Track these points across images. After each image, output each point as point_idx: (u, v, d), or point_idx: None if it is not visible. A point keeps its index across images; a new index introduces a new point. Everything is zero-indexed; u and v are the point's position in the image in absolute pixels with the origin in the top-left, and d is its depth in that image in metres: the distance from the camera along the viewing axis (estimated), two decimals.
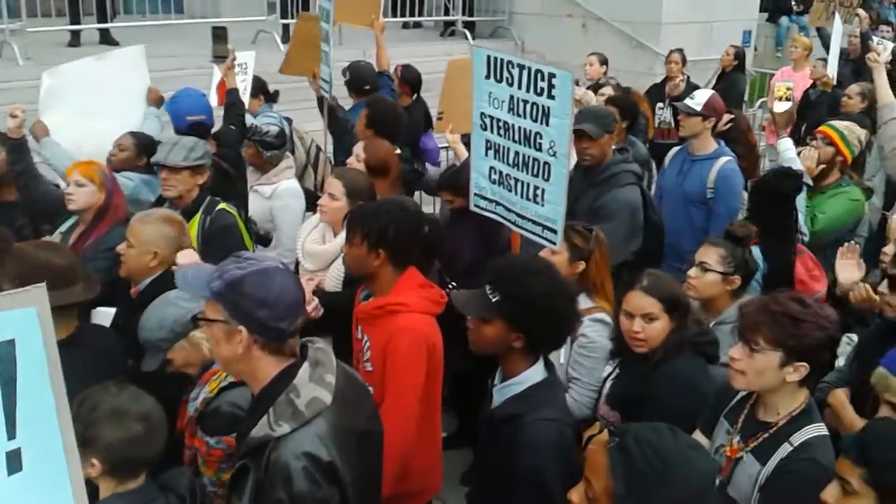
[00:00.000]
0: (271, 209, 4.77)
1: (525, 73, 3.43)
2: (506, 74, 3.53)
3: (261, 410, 2.10)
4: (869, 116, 6.39)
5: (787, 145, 4.64)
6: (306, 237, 3.95)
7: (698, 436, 2.78)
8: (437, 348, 3.09)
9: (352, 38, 9.50)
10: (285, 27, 10.54)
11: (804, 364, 2.49)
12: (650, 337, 3.06)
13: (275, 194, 4.79)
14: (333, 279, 3.76)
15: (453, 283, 4.00)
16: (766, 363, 2.49)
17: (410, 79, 6.39)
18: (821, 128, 4.99)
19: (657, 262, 4.43)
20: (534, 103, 3.42)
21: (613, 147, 4.65)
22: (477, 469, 2.86)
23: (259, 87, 6.05)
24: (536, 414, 2.48)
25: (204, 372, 2.85)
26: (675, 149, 5.34)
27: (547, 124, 3.40)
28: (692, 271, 3.50)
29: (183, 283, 2.20)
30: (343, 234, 3.71)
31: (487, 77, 3.64)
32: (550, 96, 3.35)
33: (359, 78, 6.13)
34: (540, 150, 3.47)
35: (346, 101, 6.30)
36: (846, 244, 3.95)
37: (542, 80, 3.36)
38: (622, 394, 3.13)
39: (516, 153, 3.60)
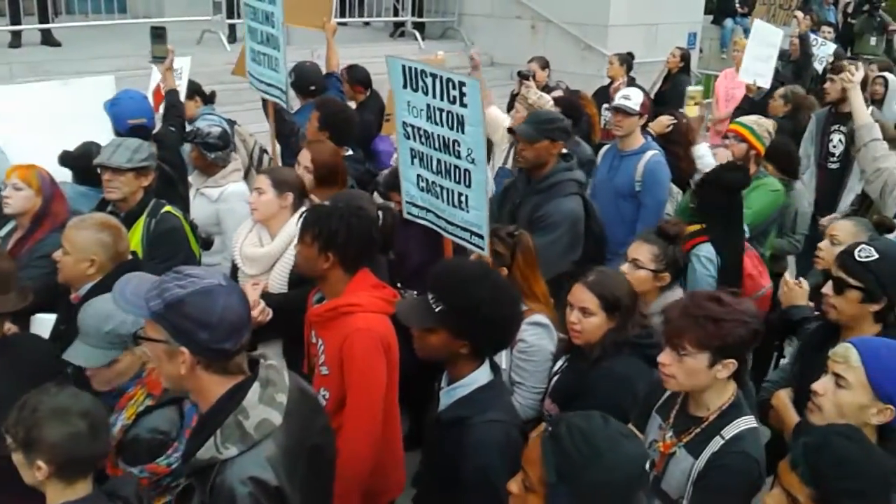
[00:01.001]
0: (218, 212, 4.69)
1: (438, 81, 3.41)
2: (421, 83, 3.51)
3: (208, 431, 2.05)
4: (794, 119, 6.59)
5: (702, 151, 4.72)
6: (243, 241, 3.87)
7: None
8: (392, 347, 3.09)
9: (299, 39, 9.42)
10: (231, 27, 10.42)
11: (732, 360, 2.55)
12: (585, 330, 3.11)
13: (221, 197, 4.72)
14: (277, 282, 3.71)
15: (398, 285, 3.99)
16: (696, 365, 2.54)
17: (361, 78, 6.36)
18: (730, 126, 5.16)
19: None
20: (449, 111, 3.41)
21: (564, 152, 4.63)
22: (423, 472, 2.84)
23: (194, 89, 5.94)
24: (483, 416, 2.48)
25: (121, 396, 2.77)
26: (606, 146, 5.49)
27: (463, 132, 3.40)
28: (624, 267, 3.56)
29: (121, 300, 2.11)
30: (281, 236, 3.73)
31: (405, 87, 3.60)
32: (463, 104, 3.34)
33: (304, 79, 6.07)
34: (459, 157, 3.47)
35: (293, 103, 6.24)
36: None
37: (454, 88, 3.35)
38: (563, 389, 3.17)
39: (438, 161, 3.59)
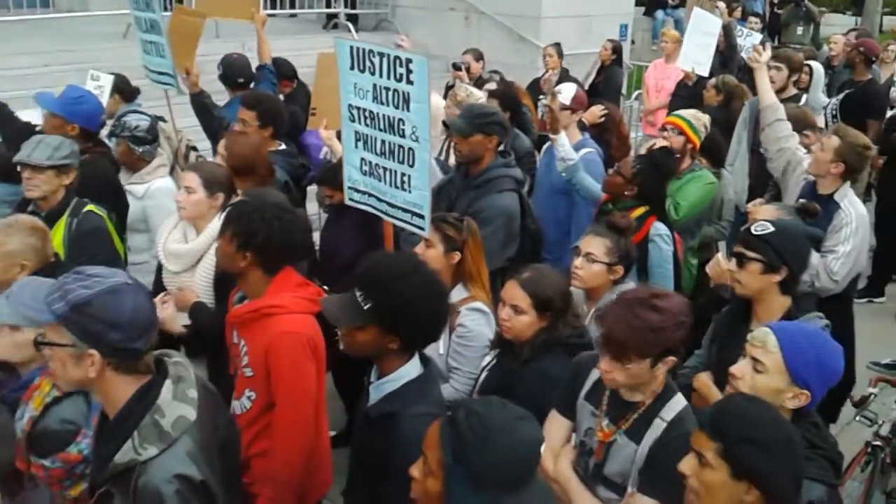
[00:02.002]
0: (144, 209, 4.57)
1: (385, 60, 3.47)
2: (368, 64, 3.56)
3: (122, 433, 2.02)
4: (728, 109, 6.71)
5: (561, 141, 4.76)
6: (167, 237, 3.80)
7: (555, 417, 2.85)
8: (319, 348, 3.04)
9: (230, 31, 9.28)
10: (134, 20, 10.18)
11: (672, 358, 2.61)
12: (514, 328, 3.10)
13: (147, 194, 4.59)
14: (202, 280, 3.65)
15: (325, 287, 3.95)
16: (639, 370, 2.58)
17: (285, 71, 6.27)
18: (668, 119, 5.23)
19: None
20: (395, 90, 3.46)
21: (502, 149, 4.61)
22: (352, 466, 2.83)
23: (115, 86, 5.76)
24: (412, 409, 2.48)
25: (26, 386, 2.69)
26: (549, 143, 5.46)
27: (408, 110, 3.45)
28: (578, 261, 3.56)
29: (18, 305, 2.04)
30: (206, 233, 3.66)
31: (352, 68, 3.65)
32: (409, 81, 3.40)
33: (232, 71, 5.98)
34: (403, 136, 3.51)
35: (223, 96, 6.15)
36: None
37: (401, 66, 3.41)
38: (490, 386, 3.15)
39: (383, 141, 3.63)
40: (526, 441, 2.00)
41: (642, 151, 5.65)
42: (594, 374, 2.80)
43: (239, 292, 3.24)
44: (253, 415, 3.01)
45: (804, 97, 6.73)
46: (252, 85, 6.03)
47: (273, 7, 11.19)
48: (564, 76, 8.20)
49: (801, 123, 5.27)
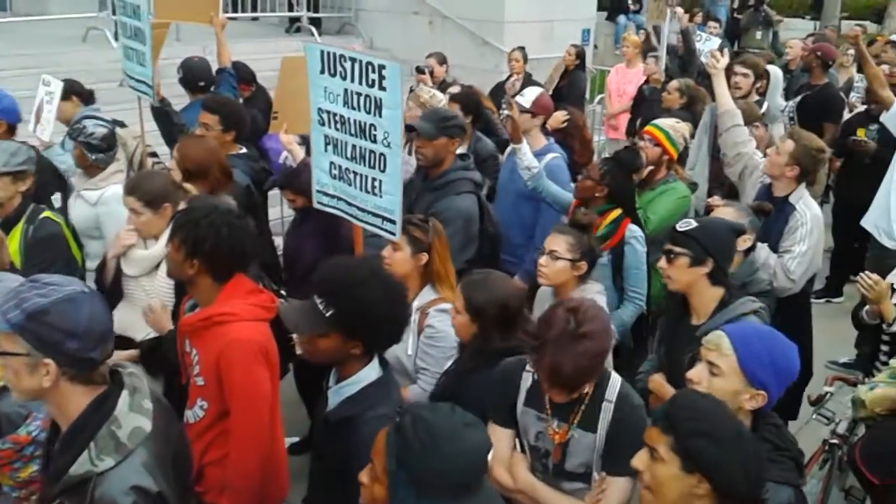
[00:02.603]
0: (97, 216, 4.48)
1: (356, 65, 3.46)
2: (339, 68, 3.55)
3: (78, 444, 1.99)
4: (690, 111, 6.77)
5: (524, 150, 4.76)
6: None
7: (494, 429, 2.84)
8: (272, 355, 3.02)
9: (190, 35, 9.18)
10: (118, 24, 10.04)
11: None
12: (455, 326, 3.17)
13: (101, 200, 4.50)
14: (162, 285, 3.62)
15: (283, 292, 3.94)
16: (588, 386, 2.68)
17: (243, 75, 6.23)
18: (646, 128, 5.22)
19: None
20: (367, 95, 3.46)
21: (461, 152, 4.63)
22: (313, 471, 2.82)
23: (69, 89, 5.69)
24: (372, 413, 2.48)
25: None
26: (511, 147, 5.46)
27: (380, 115, 3.44)
28: (542, 259, 3.63)
29: None
30: (163, 238, 3.57)
31: (322, 72, 3.64)
32: (381, 87, 3.39)
33: (193, 75, 5.93)
34: (375, 141, 3.51)
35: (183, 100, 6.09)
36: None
37: (373, 71, 3.40)
38: (441, 393, 3.17)
39: (353, 146, 3.62)
40: (472, 448, 1.99)
41: (606, 155, 5.71)
42: (527, 379, 2.84)
43: (191, 300, 3.20)
44: (206, 424, 2.99)
45: (765, 104, 6.82)
46: (212, 88, 5.98)
47: (234, 10, 11.10)
48: (528, 81, 8.25)
49: (750, 118, 5.34)
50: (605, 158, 4.43)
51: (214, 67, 6.24)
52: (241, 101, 6.05)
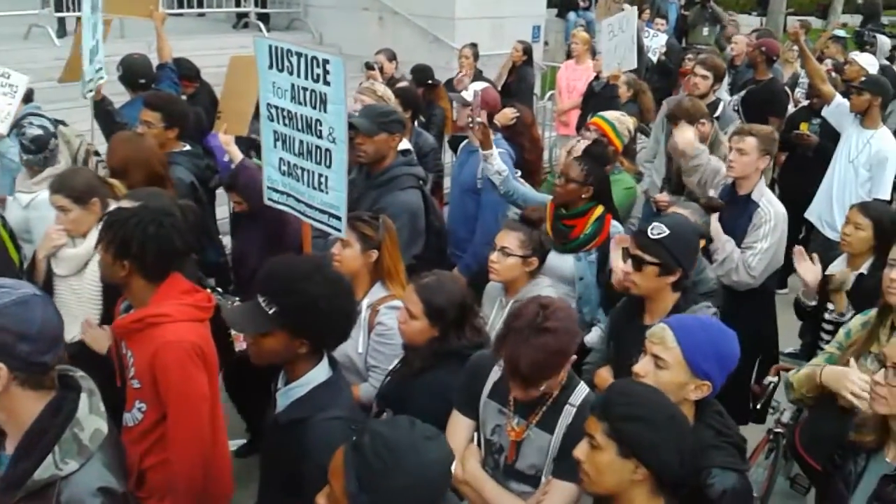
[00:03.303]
0: (27, 220, 4.33)
1: (302, 60, 3.47)
2: (286, 63, 3.55)
3: (40, 449, 1.95)
4: (636, 103, 6.85)
5: (495, 155, 4.73)
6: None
7: (457, 417, 2.86)
8: (209, 355, 2.96)
9: (135, 31, 9.03)
10: (61, 21, 9.87)
11: (573, 358, 2.68)
12: (406, 332, 3.09)
13: (32, 204, 4.34)
14: (90, 284, 3.56)
15: (219, 290, 3.88)
16: (547, 385, 2.66)
17: (186, 71, 6.13)
18: (592, 120, 5.27)
19: (440, 266, 4.47)
20: (312, 90, 3.46)
21: (403, 148, 4.60)
22: (263, 475, 2.78)
23: None
24: (322, 414, 2.45)
25: None
26: (465, 141, 5.47)
27: (325, 111, 3.45)
28: (494, 255, 3.63)
29: None
30: (90, 236, 3.55)
31: (270, 67, 3.64)
32: (326, 82, 3.40)
33: (133, 72, 5.82)
34: (321, 137, 3.51)
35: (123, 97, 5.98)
36: (794, 248, 4.26)
37: (318, 66, 3.41)
38: (387, 395, 3.14)
39: (301, 142, 3.62)
40: (435, 461, 1.92)
41: (559, 151, 5.72)
42: (495, 373, 2.82)
43: (125, 302, 3.14)
44: (145, 427, 2.93)
45: (720, 106, 6.91)
46: (153, 85, 5.88)
47: (180, 6, 10.96)
48: (478, 77, 8.25)
49: (697, 114, 5.41)
50: (580, 158, 4.38)
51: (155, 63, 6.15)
52: (183, 97, 5.97)
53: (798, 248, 4.27)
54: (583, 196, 4.21)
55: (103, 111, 5.46)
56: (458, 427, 2.85)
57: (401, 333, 3.13)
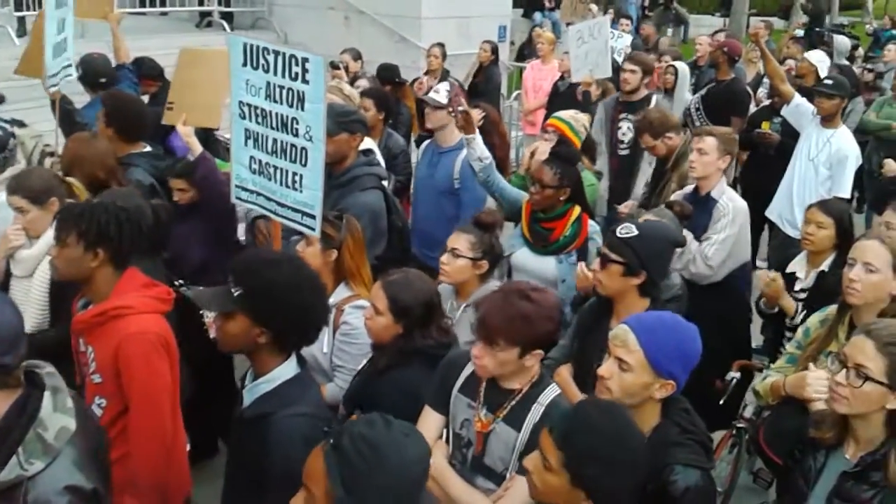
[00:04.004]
0: None
1: (280, 58, 3.47)
2: (262, 61, 3.55)
3: (4, 450, 1.94)
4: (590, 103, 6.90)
5: (478, 140, 4.68)
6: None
7: (428, 412, 2.87)
8: (172, 346, 2.98)
9: (95, 31, 8.89)
10: (21, 20, 9.73)
11: (540, 351, 2.68)
12: (372, 328, 3.09)
13: None
14: (39, 287, 3.52)
15: (181, 281, 3.85)
16: (507, 357, 2.64)
17: (148, 70, 6.06)
18: (549, 122, 5.31)
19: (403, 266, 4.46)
20: (289, 88, 3.46)
21: (365, 148, 4.59)
22: (229, 470, 2.76)
23: None
24: (288, 410, 2.44)
25: None
26: (427, 142, 5.47)
27: (302, 109, 3.44)
28: (444, 257, 3.64)
29: None
30: (45, 237, 3.52)
31: (244, 65, 3.63)
32: (304, 81, 3.40)
33: (93, 72, 5.74)
34: (297, 135, 3.50)
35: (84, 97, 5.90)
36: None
37: (297, 64, 3.41)
38: (354, 394, 3.14)
39: (274, 140, 3.61)
40: (416, 458, 1.94)
41: (524, 151, 5.74)
42: (468, 369, 2.84)
43: (82, 299, 3.12)
44: (105, 422, 2.89)
45: (655, 98, 6.99)
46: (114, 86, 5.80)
47: (143, 5, 10.85)
48: (445, 77, 8.26)
49: (665, 126, 5.45)
50: (549, 161, 4.37)
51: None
52: (146, 97, 5.92)
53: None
54: (561, 199, 4.23)
55: (63, 111, 5.40)
56: (428, 422, 2.86)
57: (367, 330, 3.13)
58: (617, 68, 9.95)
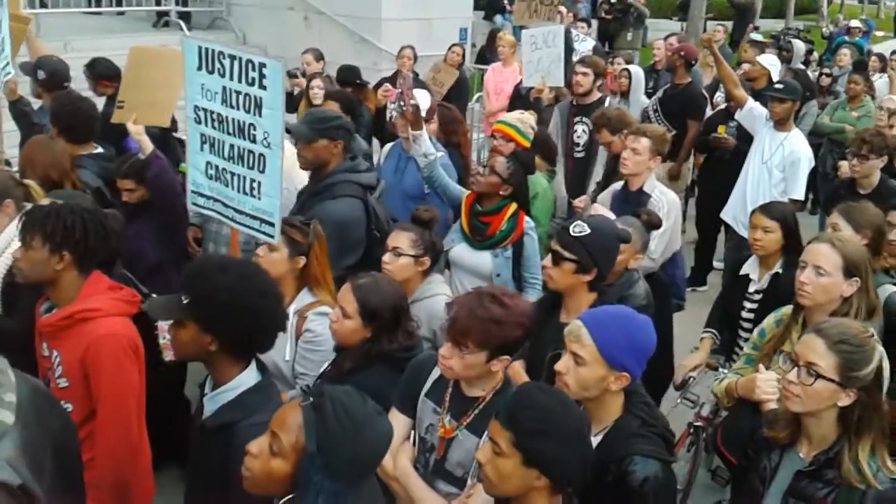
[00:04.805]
0: None
1: (236, 63, 3.40)
2: (217, 65, 3.47)
3: None
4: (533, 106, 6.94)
5: (424, 136, 4.69)
6: None
7: (395, 415, 2.87)
8: (140, 349, 2.96)
9: (50, 30, 8.72)
10: None
11: (507, 357, 2.70)
12: (338, 331, 3.09)
13: None
14: None
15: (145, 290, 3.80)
16: (474, 360, 2.65)
17: (102, 71, 5.97)
18: (495, 127, 5.37)
19: None
20: (246, 94, 3.40)
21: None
22: (190, 480, 2.75)
23: None
24: (251, 419, 2.41)
25: None
26: (390, 145, 5.45)
27: (260, 115, 3.38)
28: (386, 257, 3.64)
29: None
30: (2, 238, 3.42)
31: (199, 68, 3.55)
32: (262, 86, 3.33)
33: (58, 75, 5.61)
34: (254, 141, 3.44)
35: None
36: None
37: (253, 70, 3.35)
38: None
39: (231, 146, 3.54)
40: (384, 436, 2.08)
41: (485, 153, 5.77)
42: (435, 373, 2.86)
43: (45, 303, 3.07)
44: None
45: (609, 100, 7.07)
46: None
47: (99, 4, 10.67)
48: (415, 80, 8.23)
49: (623, 123, 5.57)
50: (510, 158, 4.45)
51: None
52: (101, 98, 5.82)
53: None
54: (500, 193, 4.30)
55: (20, 112, 5.31)
56: (395, 424, 2.83)
57: (333, 333, 3.12)
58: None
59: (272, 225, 3.48)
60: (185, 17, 11.85)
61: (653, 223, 4.10)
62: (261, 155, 3.43)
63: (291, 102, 7.22)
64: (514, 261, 4.30)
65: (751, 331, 4.18)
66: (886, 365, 2.47)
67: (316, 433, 1.98)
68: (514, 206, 4.33)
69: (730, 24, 17.69)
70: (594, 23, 14.50)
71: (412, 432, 2.92)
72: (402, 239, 3.63)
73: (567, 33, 9.35)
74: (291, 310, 3.43)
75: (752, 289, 4.23)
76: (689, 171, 7.92)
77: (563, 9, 9.22)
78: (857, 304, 3.26)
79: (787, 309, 3.47)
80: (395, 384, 3.00)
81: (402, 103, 4.66)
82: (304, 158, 4.30)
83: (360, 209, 4.28)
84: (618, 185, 5.01)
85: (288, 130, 4.44)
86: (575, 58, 10.13)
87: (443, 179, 4.69)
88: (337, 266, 3.87)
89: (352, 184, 4.28)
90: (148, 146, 4.33)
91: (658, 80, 9.11)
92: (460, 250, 4.36)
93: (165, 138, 5.04)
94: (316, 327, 3.40)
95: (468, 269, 4.20)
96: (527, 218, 4.39)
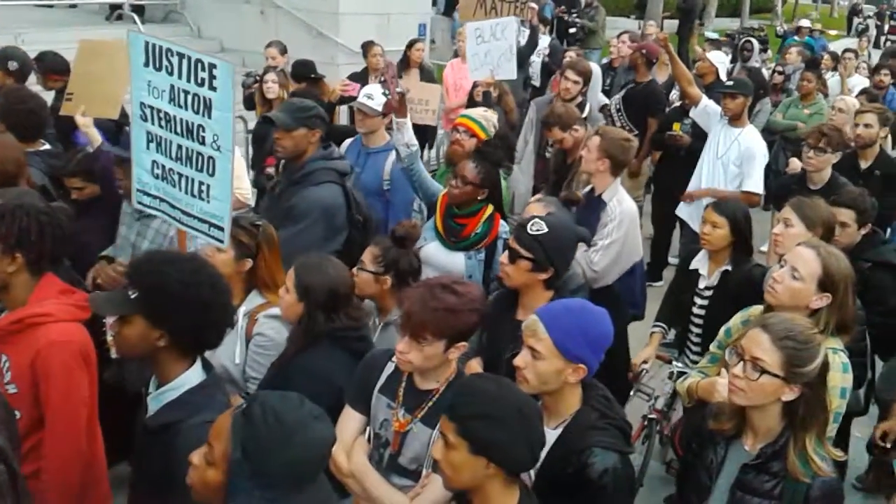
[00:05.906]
0: None
1: (185, 62, 3.25)
2: (165, 63, 3.32)
3: None
4: (499, 104, 6.96)
5: (408, 125, 4.66)
6: None
7: (348, 411, 2.87)
8: (91, 356, 2.88)
9: (2, 22, 8.53)
10: None
11: (464, 344, 2.72)
12: (281, 304, 3.14)
13: None
14: None
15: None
16: (434, 351, 2.67)
17: (52, 65, 5.84)
18: (458, 120, 5.35)
19: None
20: (195, 94, 3.26)
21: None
22: (134, 481, 2.72)
23: None
24: (195, 418, 2.38)
25: None
26: (349, 140, 5.40)
27: (209, 117, 3.25)
28: (354, 269, 3.56)
29: None
30: None
31: (146, 65, 3.40)
32: (212, 87, 3.21)
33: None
34: (204, 143, 3.31)
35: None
36: None
37: (203, 70, 3.21)
38: (268, 382, 3.13)
39: (179, 146, 3.41)
40: (320, 440, 2.00)
41: (443, 148, 5.74)
42: (389, 368, 2.86)
43: None
44: (20, 435, 2.76)
45: (587, 105, 7.08)
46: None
47: None
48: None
49: (572, 119, 5.59)
50: (475, 158, 4.38)
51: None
52: (50, 93, 5.70)
53: None
54: (478, 197, 4.27)
55: None
56: (349, 420, 2.87)
57: (280, 307, 3.16)
58: (548, 70, 10.13)
59: (222, 229, 3.37)
60: (138, 10, 11.66)
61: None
62: (210, 158, 3.31)
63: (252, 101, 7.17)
64: (486, 263, 4.26)
65: (701, 326, 4.24)
66: (836, 361, 2.49)
67: (242, 440, 1.93)
68: (490, 209, 4.30)
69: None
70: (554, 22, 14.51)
71: (367, 429, 2.92)
72: (366, 253, 3.58)
73: (535, 30, 9.37)
74: (241, 311, 3.38)
75: (702, 285, 4.27)
76: (648, 168, 7.99)
77: (533, 5, 9.08)
78: (826, 320, 3.10)
79: (756, 309, 3.42)
80: (344, 364, 3.01)
81: (387, 91, 4.70)
82: (283, 147, 4.31)
83: (341, 194, 4.36)
84: (588, 187, 4.93)
85: (269, 119, 4.43)
86: (536, 57, 10.25)
87: (422, 173, 4.68)
88: (326, 251, 3.83)
89: (329, 170, 4.35)
90: (96, 139, 4.27)
91: (615, 78, 9.16)
92: (433, 249, 4.28)
93: (120, 131, 4.94)
94: (267, 330, 3.35)
95: (440, 268, 4.12)
96: (502, 222, 4.36)
